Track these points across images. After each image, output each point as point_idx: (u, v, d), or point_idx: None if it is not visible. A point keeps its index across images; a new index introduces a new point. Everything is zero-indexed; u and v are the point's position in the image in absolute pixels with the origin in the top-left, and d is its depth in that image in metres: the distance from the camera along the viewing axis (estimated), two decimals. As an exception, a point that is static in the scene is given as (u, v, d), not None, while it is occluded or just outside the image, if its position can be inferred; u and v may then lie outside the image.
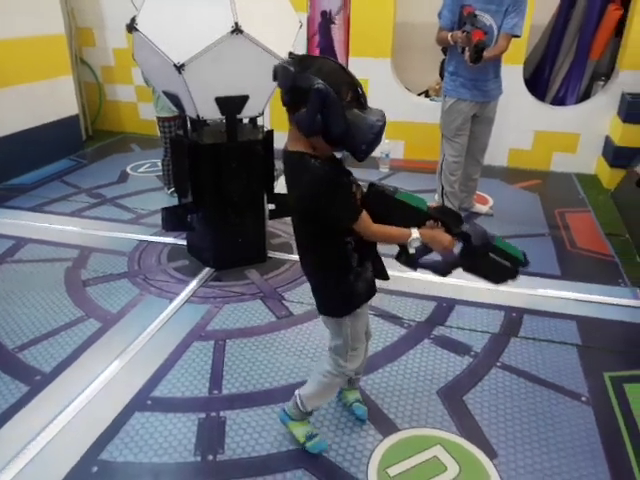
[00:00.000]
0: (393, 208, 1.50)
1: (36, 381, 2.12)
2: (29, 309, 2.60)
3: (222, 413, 1.97)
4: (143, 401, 2.02)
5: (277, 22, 2.49)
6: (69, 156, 4.95)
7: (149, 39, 2.33)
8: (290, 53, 1.33)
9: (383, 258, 1.64)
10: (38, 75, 4.51)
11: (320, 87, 1.26)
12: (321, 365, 1.76)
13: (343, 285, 1.57)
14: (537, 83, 4.85)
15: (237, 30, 2.26)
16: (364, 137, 1.32)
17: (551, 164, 4.64)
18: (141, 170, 4.61)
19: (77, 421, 1.93)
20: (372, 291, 1.66)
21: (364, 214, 1.45)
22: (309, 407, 1.77)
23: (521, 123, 4.46)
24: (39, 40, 4.45)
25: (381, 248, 1.60)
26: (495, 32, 3.09)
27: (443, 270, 1.60)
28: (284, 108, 1.38)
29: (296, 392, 1.79)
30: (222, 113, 2.57)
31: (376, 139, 1.33)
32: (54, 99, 4.74)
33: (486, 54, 2.98)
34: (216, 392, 2.08)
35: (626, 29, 4.20)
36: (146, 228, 3.48)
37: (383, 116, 1.35)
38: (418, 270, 1.57)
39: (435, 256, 1.54)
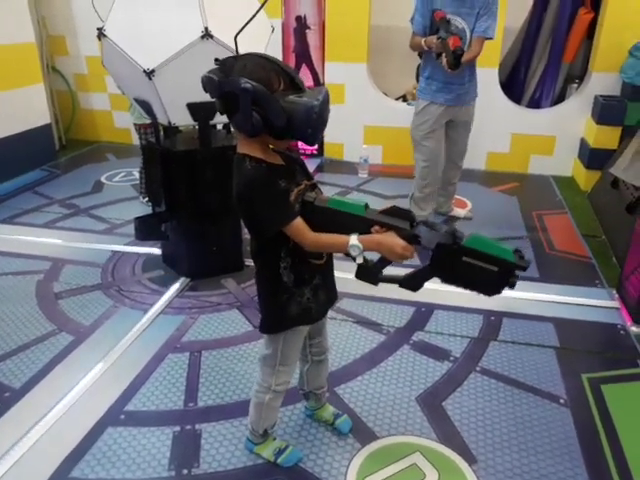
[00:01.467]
0: (330, 219, 1.37)
1: (5, 398, 2.05)
2: (-2, 324, 2.52)
3: (197, 426, 1.92)
4: (116, 416, 1.97)
5: (248, 26, 2.46)
6: (42, 166, 4.85)
7: (118, 45, 2.29)
8: (215, 59, 1.27)
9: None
10: (8, 84, 4.41)
11: (246, 86, 1.21)
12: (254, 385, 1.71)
13: (273, 302, 1.51)
14: (513, 86, 4.90)
15: (207, 35, 2.23)
16: (307, 121, 1.25)
17: (529, 167, 4.68)
18: (116, 179, 4.53)
19: (47, 438, 1.86)
20: (308, 318, 1.56)
21: (298, 221, 1.34)
22: (260, 429, 1.73)
23: (498, 126, 4.50)
24: (8, 49, 4.35)
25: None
26: (468, 35, 3.09)
27: (410, 284, 1.41)
28: None
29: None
30: (194, 119, 2.53)
31: (319, 119, 1.26)
32: (25, 108, 4.64)
33: (462, 59, 2.98)
34: (191, 404, 2.03)
35: (597, 32, 4.27)
36: (120, 238, 3.41)
37: (323, 94, 1.27)
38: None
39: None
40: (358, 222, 1.35)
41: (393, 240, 1.32)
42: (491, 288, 1.33)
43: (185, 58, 2.27)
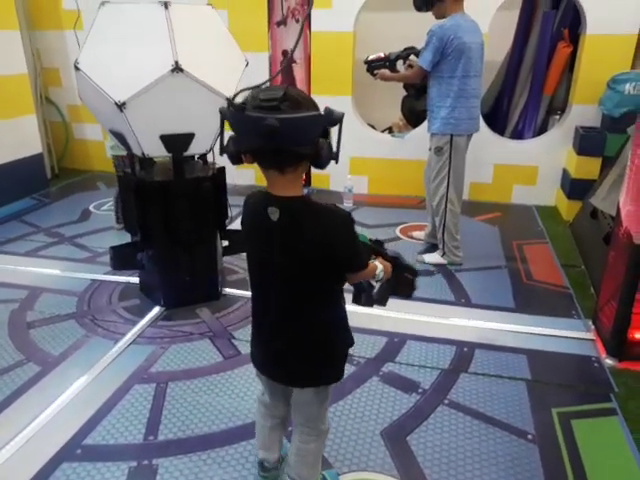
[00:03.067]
0: None
1: (-38, 431, 2.02)
2: (-34, 354, 2.51)
3: (155, 461, 1.89)
4: (73, 450, 1.93)
5: (221, 60, 2.52)
6: (32, 195, 4.90)
7: (90, 78, 2.34)
8: (272, 99, 1.17)
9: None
10: (0, 114, 4.49)
11: (339, 115, 1.21)
12: None
13: (333, 348, 1.50)
14: (496, 118, 4.97)
15: (177, 69, 2.28)
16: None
17: (512, 197, 4.71)
18: (104, 208, 4.57)
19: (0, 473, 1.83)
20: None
21: None
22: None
23: (481, 157, 4.52)
24: (1, 80, 4.44)
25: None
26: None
27: (384, 299, 1.58)
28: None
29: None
30: (168, 151, 2.56)
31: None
32: (16, 138, 4.71)
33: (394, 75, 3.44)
34: (151, 438, 2.00)
35: (576, 65, 4.34)
36: (100, 267, 3.41)
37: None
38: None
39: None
40: (368, 250, 1.49)
41: (386, 264, 1.49)
42: (411, 291, 1.60)
43: (156, 91, 2.31)
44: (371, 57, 3.54)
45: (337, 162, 1.28)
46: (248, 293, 1.55)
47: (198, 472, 1.84)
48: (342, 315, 1.48)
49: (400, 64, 3.82)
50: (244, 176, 4.39)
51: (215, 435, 2.01)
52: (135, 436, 2.00)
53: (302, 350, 1.44)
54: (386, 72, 3.48)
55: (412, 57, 3.86)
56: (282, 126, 1.13)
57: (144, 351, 2.53)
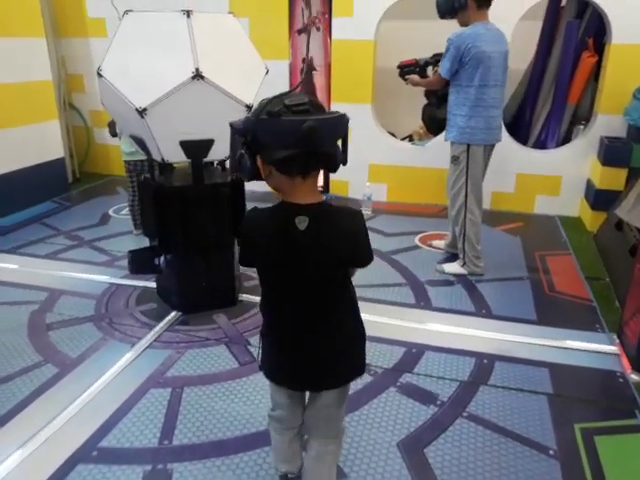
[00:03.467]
0: None
1: (-19, 431, 2.04)
2: (-14, 354, 2.53)
3: (169, 465, 1.88)
4: (89, 452, 1.93)
5: (241, 67, 2.53)
6: (53, 198, 4.97)
7: (112, 84, 2.36)
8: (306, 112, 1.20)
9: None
10: (24, 119, 4.57)
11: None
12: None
13: (363, 342, 1.54)
14: (519, 127, 4.91)
15: (198, 75, 2.29)
16: None
17: (535, 206, 4.63)
18: (123, 212, 4.60)
19: (16, 473, 1.83)
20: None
21: None
22: None
23: (503, 166, 4.47)
24: (26, 86, 4.53)
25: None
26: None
27: None
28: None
29: None
30: (188, 157, 2.57)
31: None
32: (39, 142, 4.79)
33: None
34: (166, 442, 1.99)
35: (601, 75, 4.28)
36: (119, 271, 3.44)
37: None
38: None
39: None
40: None
41: None
42: None
43: (177, 97, 2.33)
44: (403, 62, 3.67)
45: (345, 164, 1.33)
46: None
47: (212, 478, 1.82)
48: (357, 306, 1.49)
49: (430, 70, 3.85)
50: (262, 182, 4.38)
51: (230, 441, 1.99)
52: (150, 440, 2.00)
53: (333, 350, 1.43)
54: (415, 77, 3.58)
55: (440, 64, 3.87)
56: (319, 127, 1.16)
57: (160, 355, 2.53)
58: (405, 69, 3.68)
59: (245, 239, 1.39)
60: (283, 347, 1.46)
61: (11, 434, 2.02)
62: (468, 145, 3.20)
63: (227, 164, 2.85)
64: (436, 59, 3.79)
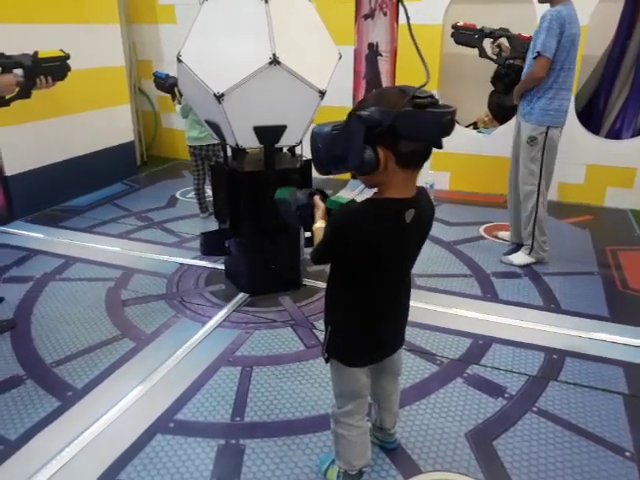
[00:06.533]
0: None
1: (67, 397, 2.18)
2: (70, 326, 2.69)
3: (242, 441, 1.95)
4: (166, 423, 2.03)
5: (316, 53, 2.54)
6: (123, 180, 5.19)
7: (191, 69, 2.43)
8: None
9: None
10: (98, 104, 4.78)
11: None
12: None
13: None
14: (591, 116, 4.69)
15: (275, 61, 2.32)
16: None
17: (605, 199, 4.44)
18: (189, 195, 4.74)
19: (100, 439, 1.95)
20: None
21: None
22: None
23: (572, 156, 4.30)
24: (101, 72, 4.73)
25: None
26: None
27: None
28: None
29: None
30: (260, 142, 2.62)
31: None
32: (112, 126, 5.00)
33: None
34: (238, 419, 2.07)
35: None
36: (188, 252, 3.56)
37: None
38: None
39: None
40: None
41: None
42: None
43: (253, 83, 2.37)
44: (460, 23, 3.45)
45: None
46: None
47: (283, 456, 1.88)
48: None
49: (487, 43, 3.74)
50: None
51: (299, 422, 2.05)
52: (223, 416, 2.08)
53: (407, 314, 1.61)
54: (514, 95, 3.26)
55: (502, 40, 3.73)
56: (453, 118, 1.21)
57: (230, 335, 2.62)
58: (461, 31, 3.50)
59: (342, 237, 1.35)
60: (374, 325, 1.51)
61: (94, 402, 2.15)
62: (547, 127, 3.11)
63: (297, 150, 2.88)
64: (500, 33, 3.63)
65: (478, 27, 3.66)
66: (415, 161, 1.27)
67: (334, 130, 1.29)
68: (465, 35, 3.60)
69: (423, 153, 1.26)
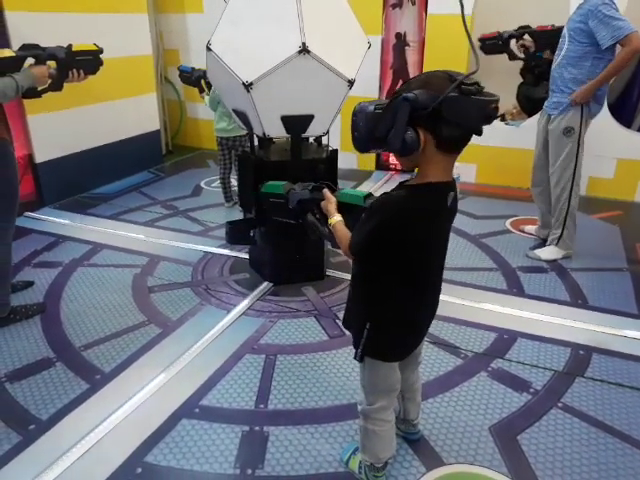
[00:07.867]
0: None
1: (96, 380, 2.23)
2: (97, 310, 2.75)
3: (265, 428, 1.97)
4: (191, 408, 2.07)
5: (345, 42, 2.52)
6: (149, 169, 5.25)
7: (220, 58, 2.44)
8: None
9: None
10: (125, 92, 4.82)
11: None
12: None
13: None
14: (623, 108, 4.58)
15: (304, 50, 2.31)
16: None
17: (636, 194, 4.34)
18: (214, 185, 4.78)
19: (128, 422, 2.00)
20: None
21: None
22: None
23: (602, 150, 4.21)
24: (128, 60, 4.77)
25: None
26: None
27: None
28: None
29: None
30: (287, 132, 2.62)
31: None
32: (138, 115, 5.05)
33: None
34: (262, 406, 2.09)
35: None
36: (213, 240, 3.60)
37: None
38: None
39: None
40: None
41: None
42: None
43: (282, 72, 2.36)
44: (484, 35, 3.58)
45: None
46: (350, 275, 1.56)
47: (306, 444, 1.89)
48: None
49: (513, 43, 3.73)
50: (346, 160, 4.41)
51: (322, 410, 2.06)
52: (247, 402, 2.10)
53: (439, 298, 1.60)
54: (583, 91, 2.99)
55: (526, 36, 3.70)
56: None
57: (254, 323, 2.64)
58: (487, 42, 3.61)
59: (388, 227, 1.34)
60: (417, 314, 1.52)
61: (122, 386, 2.20)
62: (585, 118, 3.07)
63: (324, 140, 2.87)
64: (521, 32, 3.62)
65: (498, 33, 3.71)
66: (454, 146, 1.28)
67: (377, 109, 1.29)
68: (490, 45, 3.64)
69: (463, 138, 1.27)
